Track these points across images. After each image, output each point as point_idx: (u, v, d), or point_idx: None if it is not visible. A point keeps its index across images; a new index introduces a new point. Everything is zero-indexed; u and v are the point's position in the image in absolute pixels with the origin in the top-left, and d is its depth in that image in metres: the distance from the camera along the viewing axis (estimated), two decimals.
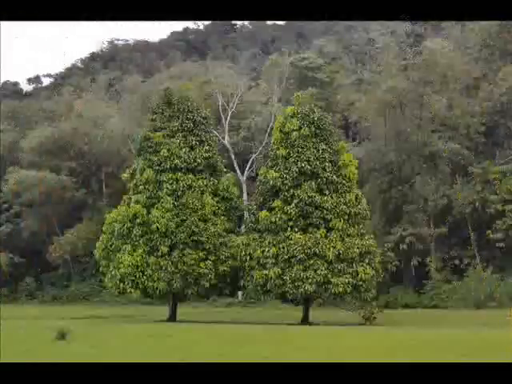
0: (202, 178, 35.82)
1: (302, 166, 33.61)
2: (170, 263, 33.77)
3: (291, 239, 32.84)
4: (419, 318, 37.72)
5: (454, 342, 19.81)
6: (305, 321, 34.07)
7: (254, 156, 57.37)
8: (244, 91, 62.76)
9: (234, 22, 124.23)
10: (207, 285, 34.20)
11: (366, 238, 33.74)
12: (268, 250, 33.11)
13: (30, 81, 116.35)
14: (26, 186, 60.71)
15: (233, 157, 56.55)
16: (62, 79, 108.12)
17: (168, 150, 35.34)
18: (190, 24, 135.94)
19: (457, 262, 48.34)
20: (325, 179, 33.79)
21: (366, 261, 32.99)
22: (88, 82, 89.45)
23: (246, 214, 37.59)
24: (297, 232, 33.07)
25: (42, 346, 18.79)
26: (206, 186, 35.67)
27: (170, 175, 35.04)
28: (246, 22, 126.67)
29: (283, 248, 32.87)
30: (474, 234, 48.76)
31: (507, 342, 18.83)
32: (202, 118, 37.22)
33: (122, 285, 33.92)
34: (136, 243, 34.18)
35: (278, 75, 60.32)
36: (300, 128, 34.46)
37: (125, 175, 37.91)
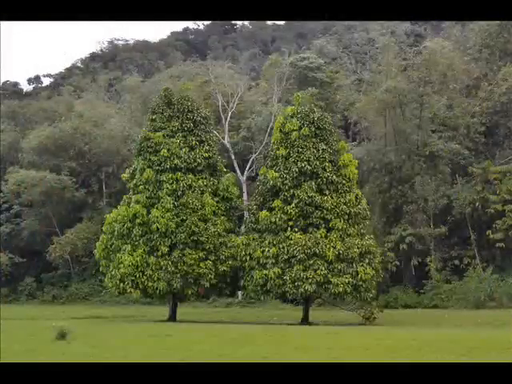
0: (202, 178, 35.83)
1: (302, 166, 33.61)
2: (170, 263, 33.78)
3: (291, 239, 32.84)
4: (419, 317, 37.66)
5: (454, 342, 19.80)
6: (305, 321, 34.06)
7: (254, 156, 57.29)
8: (244, 91, 62.70)
9: (234, 21, 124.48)
10: (207, 285, 34.22)
11: (366, 238, 33.74)
12: (268, 250, 33.11)
13: (29, 81, 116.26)
14: (26, 186, 60.63)
15: (233, 157, 56.47)
16: (62, 79, 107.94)
17: (168, 150, 35.34)
18: (190, 24, 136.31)
19: (457, 262, 48.20)
20: (325, 179, 33.80)
21: (366, 261, 32.97)
22: (88, 81, 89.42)
23: (245, 214, 37.60)
24: (297, 232, 33.07)
25: (42, 346, 18.80)
26: (205, 186, 35.68)
27: (170, 175, 35.05)
28: (246, 22, 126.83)
29: (283, 248, 32.87)
30: (474, 234, 48.67)
31: (507, 342, 18.83)
32: (202, 118, 37.22)
33: (122, 285, 33.93)
34: (136, 243, 34.21)
35: (278, 75, 60.22)
36: (300, 128, 34.46)
37: (125, 175, 37.89)
